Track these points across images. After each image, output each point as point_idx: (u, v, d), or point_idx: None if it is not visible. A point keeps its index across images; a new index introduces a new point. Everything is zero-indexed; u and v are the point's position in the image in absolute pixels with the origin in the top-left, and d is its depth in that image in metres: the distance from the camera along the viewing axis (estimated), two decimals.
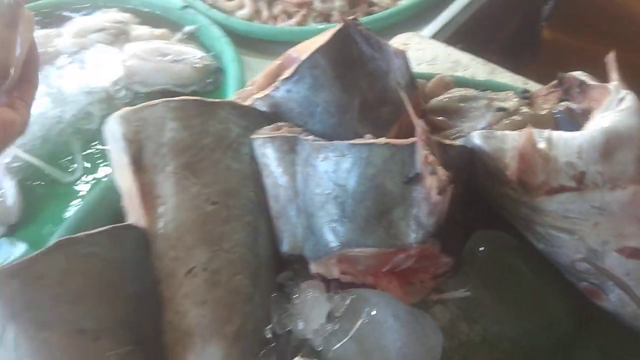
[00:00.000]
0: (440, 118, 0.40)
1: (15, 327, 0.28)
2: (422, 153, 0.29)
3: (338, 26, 0.37)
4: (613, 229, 0.31)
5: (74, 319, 0.29)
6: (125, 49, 0.72)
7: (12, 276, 0.28)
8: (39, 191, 0.63)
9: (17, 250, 0.58)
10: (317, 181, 0.33)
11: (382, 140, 0.31)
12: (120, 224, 0.33)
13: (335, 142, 0.33)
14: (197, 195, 0.35)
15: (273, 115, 0.39)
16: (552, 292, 0.35)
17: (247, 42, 0.77)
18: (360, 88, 0.37)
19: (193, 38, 0.77)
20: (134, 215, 0.35)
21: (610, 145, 0.32)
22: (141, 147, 0.35)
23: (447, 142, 0.33)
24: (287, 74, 0.38)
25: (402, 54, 0.37)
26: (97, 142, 0.66)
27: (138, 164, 0.34)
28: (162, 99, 0.36)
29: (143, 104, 0.36)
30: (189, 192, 0.35)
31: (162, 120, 0.35)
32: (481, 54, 0.65)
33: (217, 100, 0.39)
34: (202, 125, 0.36)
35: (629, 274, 0.32)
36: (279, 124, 0.38)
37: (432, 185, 0.29)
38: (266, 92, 0.40)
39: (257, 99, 0.41)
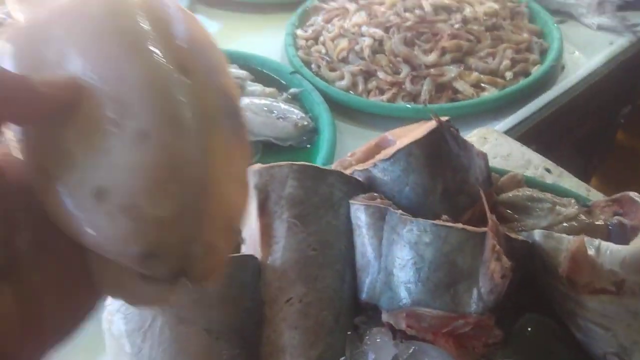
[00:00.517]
0: (508, 211, 0.48)
1: (162, 319, 0.38)
2: (491, 242, 0.37)
3: (433, 124, 0.46)
4: None
5: (205, 320, 0.38)
6: (240, 102, 0.85)
7: None
8: None
9: None
10: (400, 247, 0.42)
11: (460, 225, 0.39)
12: (245, 254, 0.43)
13: (419, 219, 0.41)
14: (302, 241, 0.44)
15: (368, 186, 0.49)
16: None
17: (342, 109, 0.87)
18: (444, 177, 0.45)
19: (296, 99, 0.89)
20: (252, 247, 0.45)
21: None
22: (267, 196, 0.45)
23: (513, 235, 0.41)
24: (385, 155, 0.48)
25: (483, 156, 0.46)
26: None
27: (262, 209, 0.44)
28: (288, 162, 0.46)
29: (273, 163, 0.46)
30: (296, 237, 0.44)
31: (285, 178, 0.45)
32: (552, 153, 0.72)
33: (327, 168, 0.48)
34: (314, 187, 0.46)
35: None
36: (374, 194, 0.47)
37: (496, 269, 0.36)
38: (365, 166, 0.49)
39: (357, 170, 0.50)
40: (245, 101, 0.84)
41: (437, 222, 0.40)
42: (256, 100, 0.85)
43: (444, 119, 0.47)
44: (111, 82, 0.24)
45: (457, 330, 0.40)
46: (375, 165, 0.48)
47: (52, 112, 0.23)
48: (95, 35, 0.24)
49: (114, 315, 0.38)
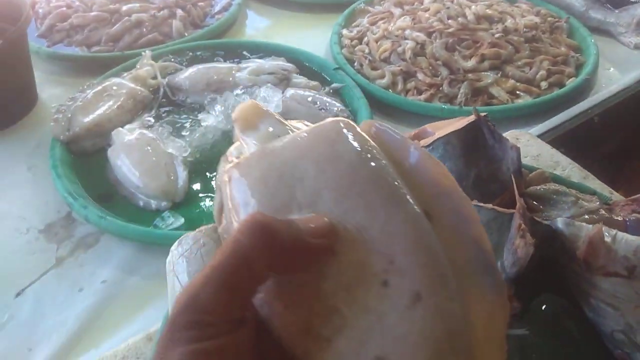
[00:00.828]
0: (534, 203, 0.52)
1: None
2: (517, 221, 0.42)
3: (472, 117, 0.51)
4: None
5: None
6: (286, 92, 0.91)
7: None
8: (199, 181, 0.81)
9: (177, 222, 0.76)
10: None
11: (489, 205, 0.44)
12: None
13: None
14: None
15: None
16: (592, 353, 0.45)
17: (380, 106, 0.93)
18: (477, 166, 0.50)
19: (338, 93, 0.95)
20: None
21: None
22: None
23: (537, 219, 0.45)
24: (425, 143, 0.53)
25: (516, 149, 0.50)
26: None
27: None
28: None
29: None
30: None
31: None
32: (582, 161, 0.76)
33: None
34: None
35: None
36: None
37: (520, 245, 0.41)
38: None
39: None
40: (290, 92, 0.90)
41: None
42: (300, 92, 0.91)
43: (482, 114, 0.52)
44: (373, 233, 0.22)
45: None
46: None
47: (316, 260, 0.22)
48: (352, 180, 0.23)
49: (178, 258, 0.44)
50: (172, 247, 0.45)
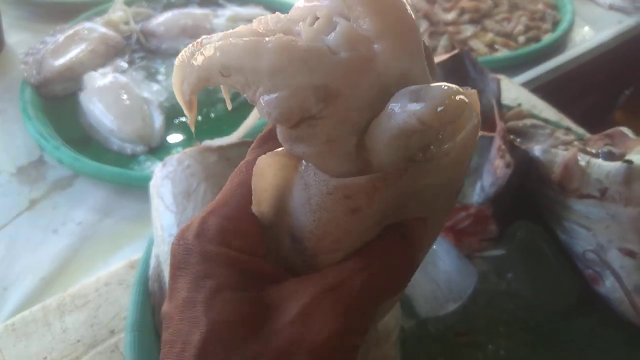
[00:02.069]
0: (512, 136, 0.53)
1: (205, 186, 0.43)
2: (498, 142, 0.42)
3: (456, 50, 0.51)
4: (618, 233, 0.43)
5: None
6: None
7: (212, 152, 0.44)
8: (175, 127, 0.80)
9: (153, 166, 0.74)
10: None
11: None
12: None
13: None
14: None
15: None
16: (564, 273, 0.47)
17: None
18: None
19: None
20: None
21: (631, 176, 0.44)
22: None
23: (516, 144, 0.46)
24: None
25: (497, 80, 0.51)
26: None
27: None
28: None
29: None
30: None
31: None
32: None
33: None
34: None
35: (622, 267, 0.43)
36: None
37: (499, 165, 0.42)
38: None
39: None
40: None
41: None
42: None
43: (465, 48, 0.53)
44: None
45: (457, 224, 0.46)
46: None
47: None
48: None
49: (162, 179, 0.44)
50: (156, 170, 0.45)
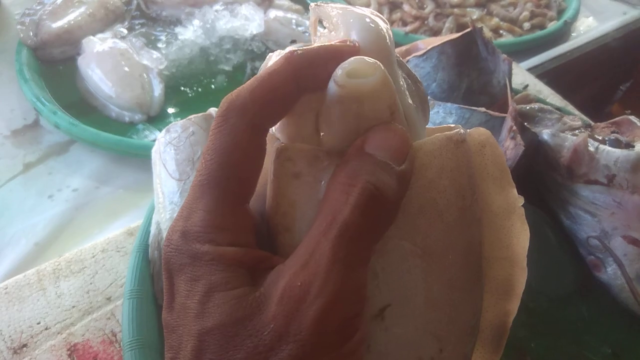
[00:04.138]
0: (519, 120, 0.53)
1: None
2: (509, 123, 0.42)
3: (468, 30, 0.50)
4: (623, 220, 0.43)
5: None
6: (268, 12, 0.87)
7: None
8: (175, 97, 0.78)
9: (152, 135, 0.73)
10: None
11: (482, 109, 0.44)
12: None
13: (447, 103, 0.46)
14: None
15: None
16: (566, 259, 0.47)
17: None
18: (469, 77, 0.50)
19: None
20: None
21: (639, 164, 0.44)
22: None
23: (527, 125, 0.46)
24: (419, 52, 0.52)
25: (509, 61, 0.51)
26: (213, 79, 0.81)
27: None
28: None
29: None
30: None
31: None
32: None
33: None
34: None
35: (626, 254, 0.44)
36: None
37: (510, 146, 0.41)
38: None
39: None
40: (273, 13, 0.87)
41: (461, 105, 0.45)
42: (283, 14, 0.88)
43: (478, 27, 0.52)
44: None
45: None
46: (408, 61, 0.52)
47: None
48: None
49: (165, 146, 0.43)
50: (159, 135, 0.44)
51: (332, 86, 0.22)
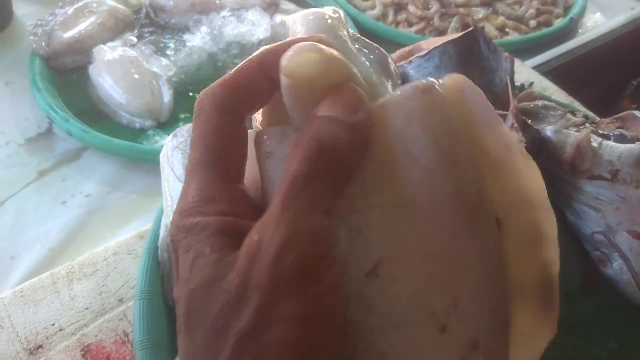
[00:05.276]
0: (524, 118, 0.53)
1: None
2: (511, 121, 0.42)
3: (470, 29, 0.51)
4: (628, 215, 0.43)
5: None
6: (275, 17, 0.88)
7: None
8: (184, 103, 0.80)
9: (162, 141, 0.75)
10: None
11: None
12: None
13: None
14: None
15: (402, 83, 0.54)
16: (571, 255, 0.47)
17: (370, 37, 0.90)
18: (472, 76, 0.50)
19: None
20: None
21: None
22: None
23: (529, 122, 0.46)
24: (422, 53, 0.53)
25: (511, 60, 0.51)
26: None
27: None
28: None
29: None
30: None
31: None
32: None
33: None
34: None
35: (631, 250, 0.44)
36: None
37: None
38: (401, 63, 0.54)
39: None
40: (280, 18, 0.88)
41: None
42: None
43: (480, 26, 0.52)
44: (437, 267, 0.22)
45: None
46: (410, 62, 0.53)
47: None
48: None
49: (173, 150, 0.44)
50: (167, 140, 0.45)
51: (281, 77, 0.23)
